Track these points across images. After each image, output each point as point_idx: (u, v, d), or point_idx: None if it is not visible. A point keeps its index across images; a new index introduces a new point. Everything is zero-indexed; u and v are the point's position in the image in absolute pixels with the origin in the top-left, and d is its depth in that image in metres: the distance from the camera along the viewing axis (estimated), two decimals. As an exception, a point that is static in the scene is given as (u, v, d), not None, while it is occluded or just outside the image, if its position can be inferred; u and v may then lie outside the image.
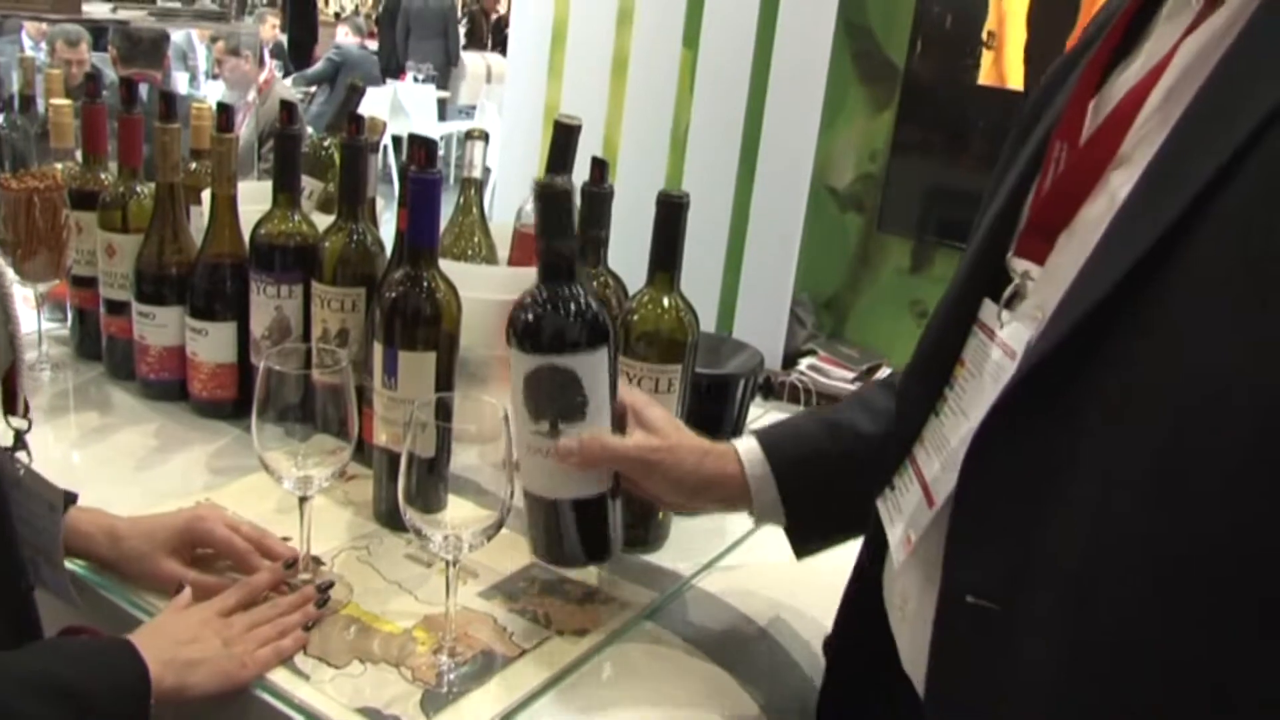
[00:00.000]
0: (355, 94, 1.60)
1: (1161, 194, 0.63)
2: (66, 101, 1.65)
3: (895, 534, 0.87)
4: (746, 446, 1.06)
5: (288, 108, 1.34)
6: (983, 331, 0.81)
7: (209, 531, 1.10)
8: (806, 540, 1.09)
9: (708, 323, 2.16)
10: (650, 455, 1.02)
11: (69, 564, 1.11)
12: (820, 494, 1.06)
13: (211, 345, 1.42)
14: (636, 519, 1.24)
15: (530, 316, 1.00)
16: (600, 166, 1.22)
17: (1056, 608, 0.65)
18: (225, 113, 1.37)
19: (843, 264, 2.95)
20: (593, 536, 1.06)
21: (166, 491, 1.28)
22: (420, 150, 1.11)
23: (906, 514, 0.85)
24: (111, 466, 1.35)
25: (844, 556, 1.33)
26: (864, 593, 0.96)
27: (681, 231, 1.16)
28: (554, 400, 1.00)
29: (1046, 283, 0.75)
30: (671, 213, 1.15)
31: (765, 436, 1.07)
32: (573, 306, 1.00)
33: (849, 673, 1.01)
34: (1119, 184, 0.70)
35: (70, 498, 1.08)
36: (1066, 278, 0.70)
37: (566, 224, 1.01)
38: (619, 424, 1.05)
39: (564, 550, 1.07)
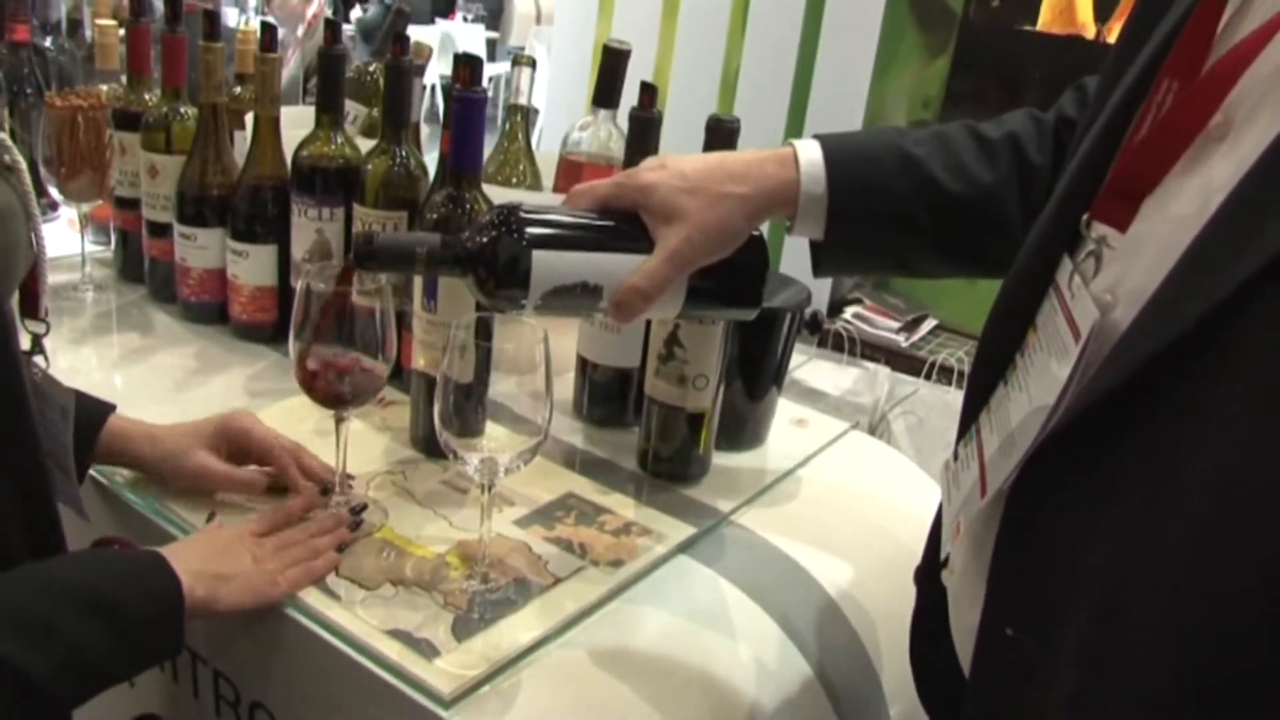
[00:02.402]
0: (401, 18, 1.57)
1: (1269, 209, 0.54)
2: (112, 22, 1.64)
3: (949, 513, 0.83)
4: (809, 160, 0.96)
5: (331, 26, 1.32)
6: (1055, 295, 0.74)
7: (246, 430, 1.10)
8: (834, 264, 1.02)
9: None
10: (687, 254, 0.93)
11: (114, 474, 1.12)
12: (870, 227, 0.98)
13: (252, 268, 1.41)
14: (676, 453, 1.21)
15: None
16: (649, 91, 1.19)
17: (1094, 642, 0.60)
18: (269, 33, 1.34)
19: (892, 213, 2.90)
20: (727, 294, 1.00)
21: (205, 413, 1.27)
22: (465, 69, 1.08)
23: (962, 494, 0.81)
24: (151, 388, 1.35)
25: (886, 502, 1.31)
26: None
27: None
28: (574, 304, 0.95)
29: (1124, 255, 0.68)
30: (722, 139, 1.12)
31: (831, 148, 0.97)
32: (491, 247, 0.92)
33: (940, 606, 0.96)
34: (1219, 170, 0.60)
35: (108, 407, 1.08)
36: (1145, 256, 0.63)
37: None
38: (639, 239, 0.94)
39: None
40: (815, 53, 2.83)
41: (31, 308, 0.91)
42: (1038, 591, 0.67)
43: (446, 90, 1.16)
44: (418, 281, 1.15)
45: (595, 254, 0.93)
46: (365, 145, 1.37)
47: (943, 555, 0.87)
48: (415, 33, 7.32)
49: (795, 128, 2.79)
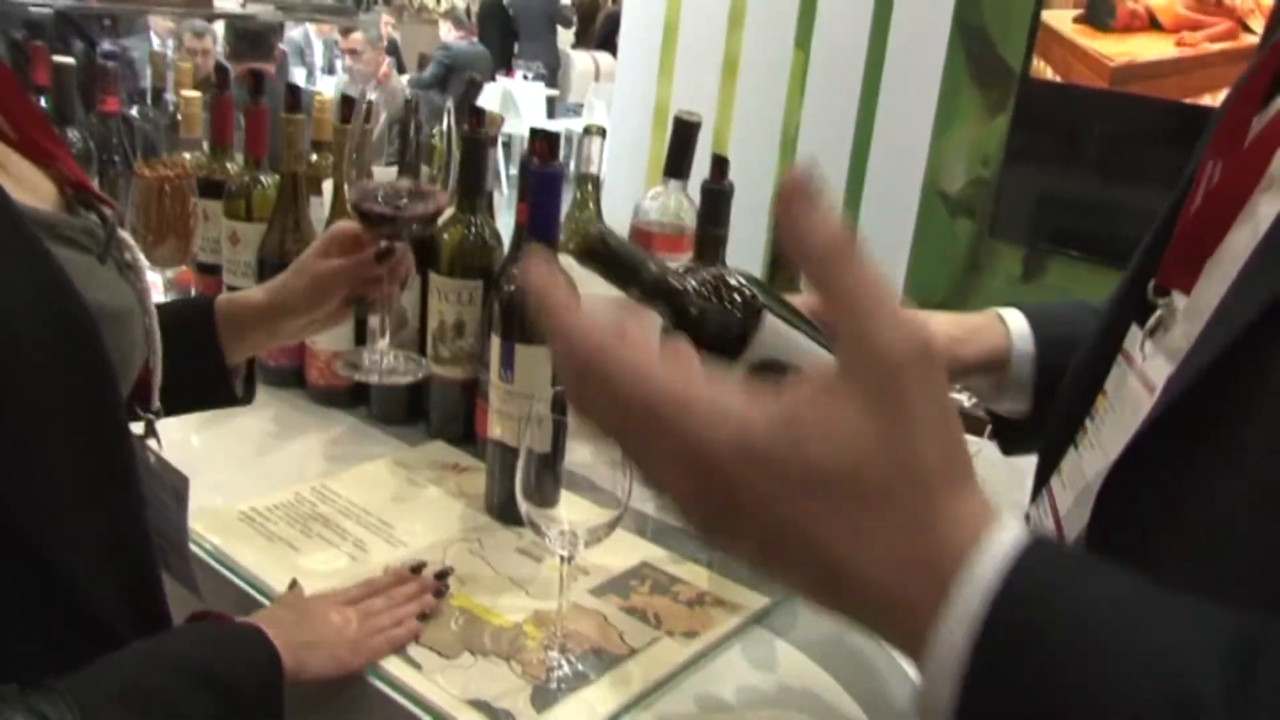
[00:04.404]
0: (473, 88, 1.61)
1: None
2: (196, 94, 1.69)
3: None
4: (1011, 316, 0.98)
5: (408, 102, 1.35)
6: (1125, 360, 0.77)
7: (346, 230, 1.12)
8: (1028, 438, 1.02)
9: (816, 326, 2.13)
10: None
11: (201, 540, 1.14)
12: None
13: (330, 334, 1.44)
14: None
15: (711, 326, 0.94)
16: (721, 164, 1.21)
17: None
18: (348, 104, 1.38)
19: (952, 270, 2.90)
20: None
21: (283, 477, 1.30)
22: (542, 144, 1.11)
23: None
24: (230, 451, 1.38)
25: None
26: None
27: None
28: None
29: (1190, 314, 0.71)
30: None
31: (1029, 310, 0.99)
32: (721, 301, 0.94)
33: None
34: (1266, 210, 0.65)
35: (205, 299, 1.12)
36: (1209, 309, 0.66)
37: None
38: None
39: None
40: (874, 112, 2.85)
41: (144, 396, 0.94)
42: None
43: (523, 164, 1.19)
44: (495, 351, 1.17)
45: (809, 342, 0.90)
46: (440, 212, 1.40)
47: None
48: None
49: (855, 187, 2.80)
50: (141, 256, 0.90)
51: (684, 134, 1.30)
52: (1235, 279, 0.63)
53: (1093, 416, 0.80)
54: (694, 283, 0.89)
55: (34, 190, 0.82)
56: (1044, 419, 0.97)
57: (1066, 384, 0.87)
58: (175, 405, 1.09)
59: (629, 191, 2.84)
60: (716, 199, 1.20)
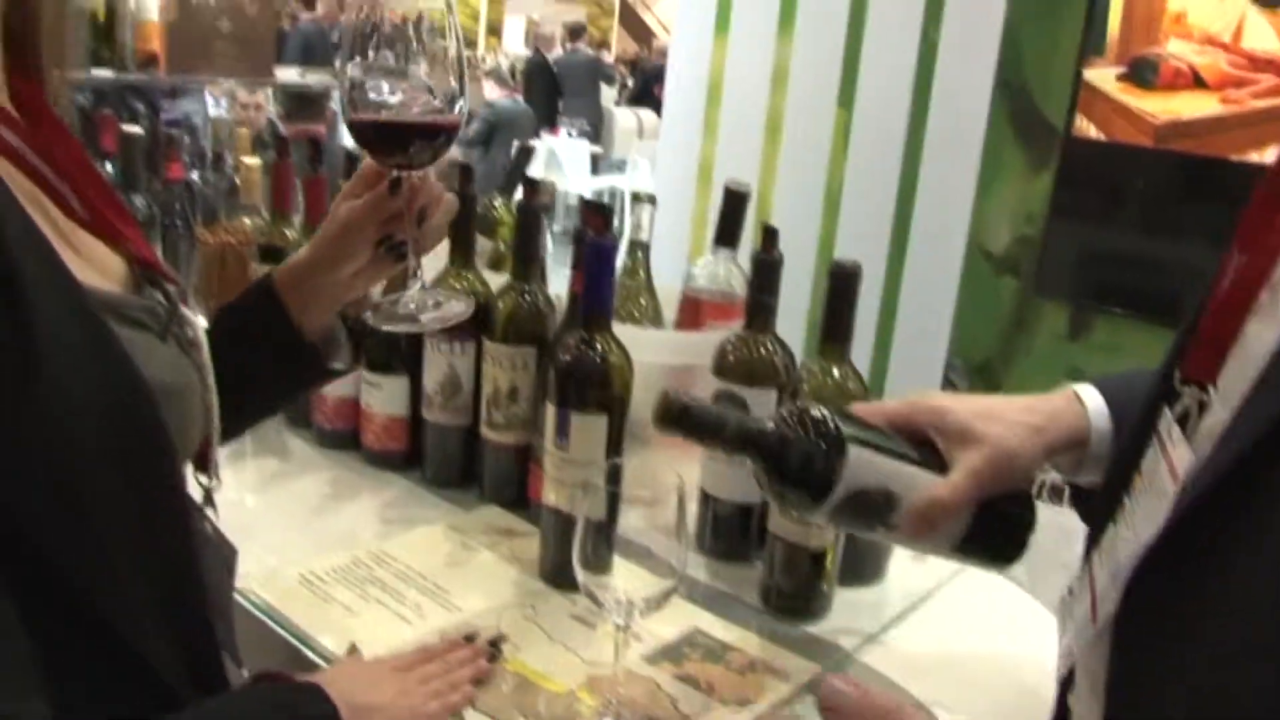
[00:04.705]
0: (525, 156, 1.64)
1: None
2: (256, 161, 1.74)
3: (1064, 642, 0.85)
4: (1090, 397, 0.98)
5: (464, 171, 1.39)
6: (1158, 442, 0.78)
7: (370, 167, 1.05)
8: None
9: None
10: (987, 476, 0.93)
11: (258, 601, 1.16)
12: None
13: (384, 398, 1.47)
14: (798, 589, 1.23)
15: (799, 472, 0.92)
16: (771, 235, 1.23)
17: None
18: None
19: (997, 328, 2.90)
20: (993, 544, 0.99)
21: (338, 539, 1.33)
22: (596, 216, 1.14)
23: (1076, 623, 0.83)
24: (287, 513, 1.41)
25: (1008, 639, 1.30)
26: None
27: (854, 302, 1.16)
28: (868, 513, 0.94)
29: (1215, 405, 0.71)
30: (845, 283, 1.15)
31: (1106, 387, 0.99)
32: (804, 438, 0.92)
33: None
34: None
35: (265, 278, 1.10)
36: (1232, 399, 0.67)
37: None
38: (930, 459, 0.95)
39: (994, 559, 1.02)
40: (918, 170, 2.87)
41: (203, 465, 0.97)
42: (1148, 709, 0.68)
43: (577, 234, 1.22)
44: (550, 419, 1.19)
45: (896, 462, 0.92)
46: (491, 278, 1.43)
47: (1061, 678, 0.87)
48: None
49: (899, 245, 2.82)
50: (203, 333, 0.92)
51: (734, 204, 1.33)
52: (1257, 377, 0.63)
53: (1130, 493, 0.81)
54: (779, 420, 0.91)
55: (103, 267, 0.84)
56: None
57: (1114, 456, 0.88)
58: (273, 391, 1.12)
59: (673, 247, 2.88)
60: (767, 269, 1.22)
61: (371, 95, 0.95)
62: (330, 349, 1.12)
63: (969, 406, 0.95)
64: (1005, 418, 0.95)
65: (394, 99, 0.95)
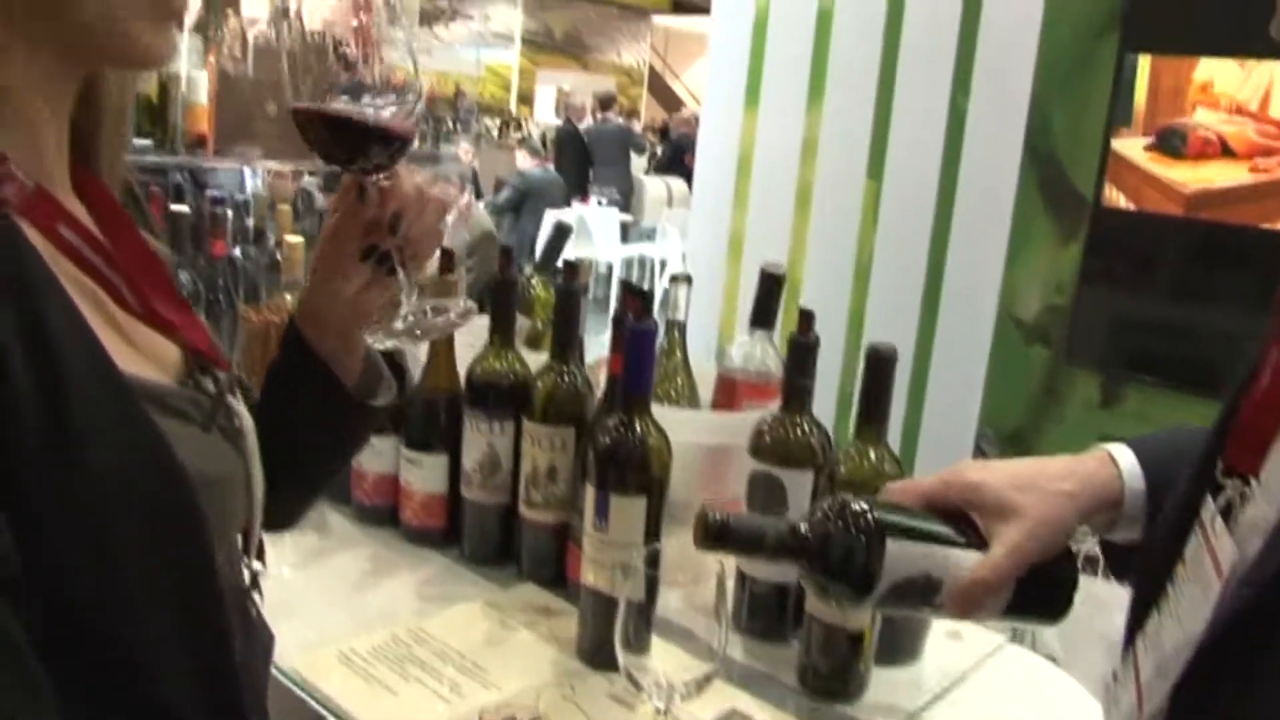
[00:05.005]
0: (562, 235, 1.67)
1: None
2: (299, 239, 1.78)
3: None
4: (1124, 458, 0.99)
5: (505, 253, 1.42)
6: (1201, 531, 0.79)
7: (350, 180, 0.99)
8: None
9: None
10: (1028, 550, 0.93)
11: (297, 678, 1.17)
12: None
13: (424, 475, 1.49)
14: (836, 670, 1.23)
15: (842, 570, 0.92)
16: (807, 317, 1.25)
17: None
18: (447, 256, 1.45)
19: (1028, 398, 2.90)
20: (1039, 606, 0.99)
21: (376, 615, 1.34)
22: (636, 301, 1.16)
23: (1122, 713, 0.83)
24: (326, 588, 1.42)
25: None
26: None
27: (890, 385, 1.17)
28: (912, 598, 0.94)
29: (1257, 496, 0.72)
30: (881, 367, 1.16)
31: (1139, 447, 0.99)
32: (842, 536, 0.92)
33: None
34: None
35: (291, 328, 1.07)
36: (1276, 498, 0.68)
37: None
38: (969, 535, 0.95)
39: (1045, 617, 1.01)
40: (947, 240, 2.88)
41: (248, 549, 0.98)
42: None
43: (616, 316, 1.24)
44: (589, 500, 1.20)
45: (936, 547, 0.93)
46: (529, 355, 1.46)
47: None
48: (551, 218, 7.53)
49: (929, 314, 2.83)
50: (249, 421, 0.94)
51: (770, 286, 1.35)
52: None
53: (1174, 581, 0.81)
54: (817, 517, 0.92)
55: (156, 356, 0.86)
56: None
57: (1153, 539, 0.89)
58: (322, 446, 1.09)
59: (704, 318, 2.90)
60: (804, 352, 1.24)
61: (318, 96, 0.90)
62: (371, 385, 1.09)
63: (1004, 478, 0.96)
64: (1041, 486, 0.95)
65: (344, 99, 0.90)
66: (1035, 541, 0.93)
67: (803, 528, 0.92)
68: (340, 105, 0.90)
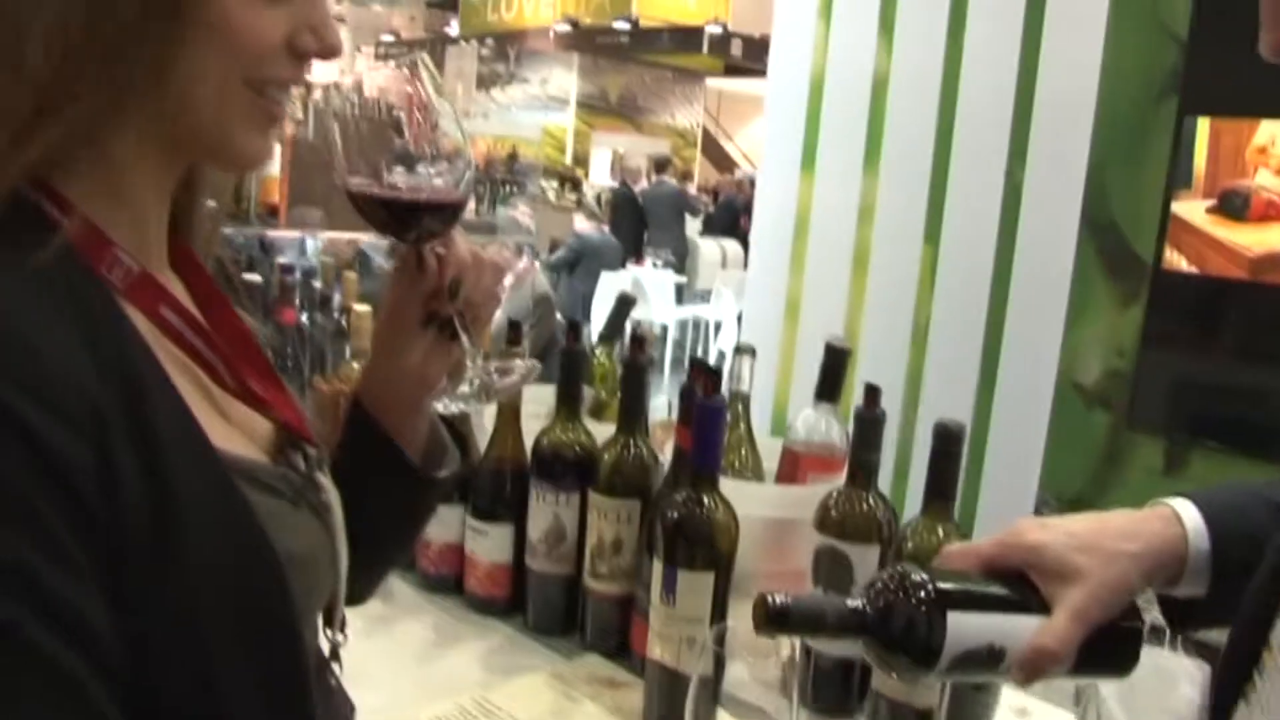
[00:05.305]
0: (626, 306, 1.69)
1: None
2: (367, 309, 1.82)
3: None
4: (1190, 516, 0.97)
5: (572, 327, 1.44)
6: (1270, 651, 0.78)
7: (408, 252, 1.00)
8: (1210, 617, 1.00)
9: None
10: (1091, 614, 0.91)
11: None
12: (1245, 579, 0.93)
13: (490, 545, 1.51)
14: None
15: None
16: (874, 393, 1.25)
17: None
18: (514, 328, 1.48)
19: (1089, 463, 2.86)
20: (1106, 663, 0.98)
21: (441, 685, 1.35)
22: (706, 378, 1.18)
23: None
24: (391, 657, 1.43)
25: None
26: None
27: (958, 462, 1.17)
28: (976, 668, 0.93)
29: None
30: (948, 444, 1.16)
31: (1203, 503, 0.98)
32: (902, 611, 0.90)
33: None
34: None
35: (356, 408, 1.09)
36: None
37: None
38: (1031, 599, 0.94)
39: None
40: (1006, 305, 2.87)
41: (330, 620, 1.00)
42: None
43: (684, 391, 1.26)
44: (656, 575, 1.21)
45: (998, 615, 0.92)
46: (594, 426, 1.47)
47: None
48: (606, 280, 7.55)
49: (988, 380, 2.81)
50: (335, 495, 0.96)
51: (834, 360, 1.36)
52: None
53: (1261, 671, 0.79)
54: (876, 592, 0.91)
55: (249, 429, 0.89)
56: (1218, 596, 0.96)
57: (1237, 623, 0.87)
58: (391, 521, 1.09)
59: (762, 381, 2.90)
60: (869, 428, 1.25)
61: (370, 166, 0.92)
62: (436, 457, 1.09)
63: (1064, 538, 0.94)
64: (1103, 547, 0.93)
65: (398, 170, 0.93)
66: (1098, 605, 0.92)
67: (863, 603, 0.91)
68: (395, 179, 0.92)
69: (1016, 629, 0.92)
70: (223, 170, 0.91)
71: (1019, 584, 0.94)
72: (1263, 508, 0.99)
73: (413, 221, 0.94)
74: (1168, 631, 1.09)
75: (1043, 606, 0.92)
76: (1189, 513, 0.97)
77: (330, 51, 0.82)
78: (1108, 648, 0.95)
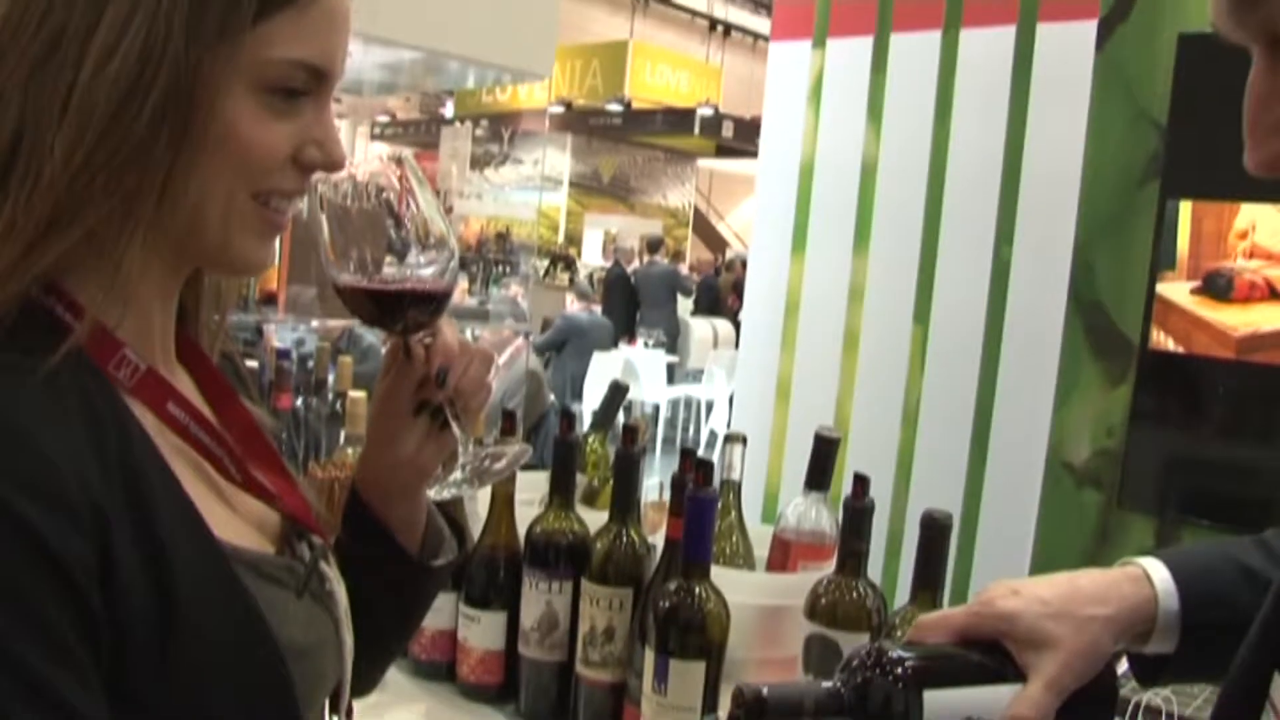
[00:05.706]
0: (619, 393, 1.71)
1: None
2: (362, 395, 1.84)
3: None
4: (1160, 577, 0.98)
5: (565, 416, 1.46)
6: (1273, 710, 0.78)
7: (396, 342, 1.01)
8: (1180, 674, 1.03)
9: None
10: (1066, 681, 0.92)
11: None
12: (1219, 637, 0.94)
13: (482, 632, 1.51)
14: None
15: None
16: (862, 482, 1.27)
17: None
18: (509, 418, 1.50)
19: (1081, 542, 2.87)
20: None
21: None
22: (698, 471, 1.19)
23: None
24: (384, 744, 1.43)
25: None
26: None
27: (945, 552, 1.19)
28: None
29: None
30: (936, 534, 1.18)
31: (1173, 563, 0.99)
32: (879, 692, 0.90)
33: None
34: None
35: (354, 503, 1.08)
36: None
37: None
38: (1006, 667, 0.94)
39: None
40: (995, 386, 2.90)
41: (336, 706, 1.01)
42: None
43: (676, 482, 1.28)
44: (648, 664, 1.22)
45: (972, 688, 0.93)
46: (586, 513, 1.49)
47: None
48: (598, 361, 7.58)
49: (978, 460, 2.83)
50: (340, 585, 0.97)
51: (824, 450, 1.38)
52: None
53: None
54: (851, 672, 0.93)
55: (255, 519, 0.90)
56: (1204, 654, 0.97)
57: (1230, 685, 0.87)
58: (389, 613, 1.08)
59: (753, 467, 2.91)
60: (858, 517, 1.26)
61: (357, 259, 0.94)
62: (434, 546, 1.09)
63: (1036, 606, 0.95)
64: (1075, 614, 0.94)
65: (385, 265, 0.94)
66: (1072, 673, 0.93)
67: (839, 685, 0.92)
68: (381, 271, 0.94)
69: (992, 699, 0.93)
70: (224, 276, 0.93)
71: (993, 652, 0.95)
72: (1232, 569, 1.00)
73: (399, 313, 0.95)
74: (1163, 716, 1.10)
75: (1018, 675, 0.94)
76: (1159, 573, 0.98)
77: (335, 165, 0.85)
78: (1084, 712, 0.96)
